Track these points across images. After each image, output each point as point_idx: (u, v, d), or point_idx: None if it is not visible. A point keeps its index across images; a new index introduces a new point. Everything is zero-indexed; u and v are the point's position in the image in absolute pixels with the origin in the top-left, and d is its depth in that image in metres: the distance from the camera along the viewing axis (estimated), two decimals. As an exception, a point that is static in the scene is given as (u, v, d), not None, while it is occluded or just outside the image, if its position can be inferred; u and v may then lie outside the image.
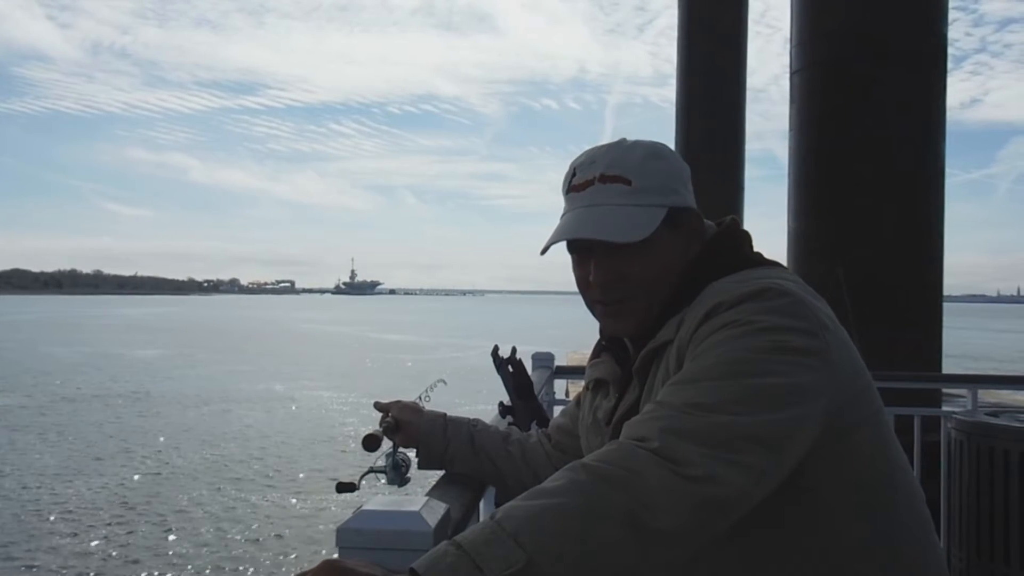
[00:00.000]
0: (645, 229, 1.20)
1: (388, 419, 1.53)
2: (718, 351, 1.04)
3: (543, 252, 1.27)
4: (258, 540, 9.35)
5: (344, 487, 1.37)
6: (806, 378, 1.02)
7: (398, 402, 1.60)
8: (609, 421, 1.30)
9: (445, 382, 1.81)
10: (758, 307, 1.07)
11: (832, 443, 1.06)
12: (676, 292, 1.21)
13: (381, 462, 1.43)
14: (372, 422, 1.58)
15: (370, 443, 1.42)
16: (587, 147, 1.32)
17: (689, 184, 1.30)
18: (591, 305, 1.29)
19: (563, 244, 1.28)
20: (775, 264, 1.25)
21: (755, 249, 1.29)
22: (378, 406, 1.61)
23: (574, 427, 1.51)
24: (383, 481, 1.43)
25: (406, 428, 1.53)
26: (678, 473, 0.90)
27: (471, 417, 1.63)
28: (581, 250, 1.26)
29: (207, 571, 8.36)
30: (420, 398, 1.66)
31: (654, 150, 1.27)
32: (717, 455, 0.93)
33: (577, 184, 1.25)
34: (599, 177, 1.23)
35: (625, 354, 1.33)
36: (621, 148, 1.26)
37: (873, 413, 1.13)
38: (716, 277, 1.18)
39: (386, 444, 1.48)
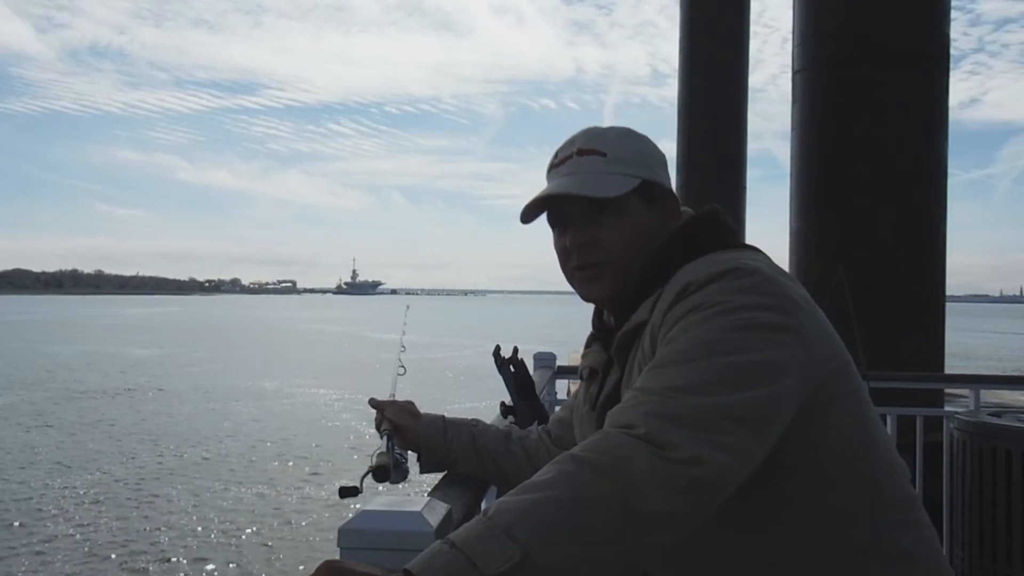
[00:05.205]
0: (617, 189, 1.26)
1: (386, 427, 1.51)
2: (691, 333, 1.06)
3: (524, 220, 1.33)
4: (259, 539, 9.35)
5: (347, 492, 1.35)
6: (780, 354, 1.04)
7: (393, 402, 1.58)
8: (594, 406, 1.32)
9: (406, 318, 1.93)
10: (726, 287, 1.09)
11: (810, 419, 1.07)
12: (650, 273, 1.24)
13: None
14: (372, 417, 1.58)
15: (381, 475, 1.36)
16: None
17: (666, 170, 1.36)
18: (570, 274, 1.33)
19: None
20: (749, 247, 1.27)
21: (736, 237, 1.30)
22: (373, 403, 1.59)
23: (572, 419, 1.51)
24: (379, 488, 1.41)
25: (404, 433, 1.52)
26: (665, 457, 0.91)
27: (470, 418, 1.62)
28: (559, 222, 1.32)
29: (206, 571, 8.36)
30: (400, 343, 1.70)
31: (628, 131, 1.36)
32: (701, 436, 0.94)
33: (557, 162, 1.33)
34: (576, 151, 1.31)
35: (612, 340, 1.34)
36: (598, 128, 1.35)
37: (851, 391, 1.14)
38: (689, 259, 1.20)
39: (384, 442, 1.46)
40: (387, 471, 1.36)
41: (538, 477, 0.91)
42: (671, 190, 1.34)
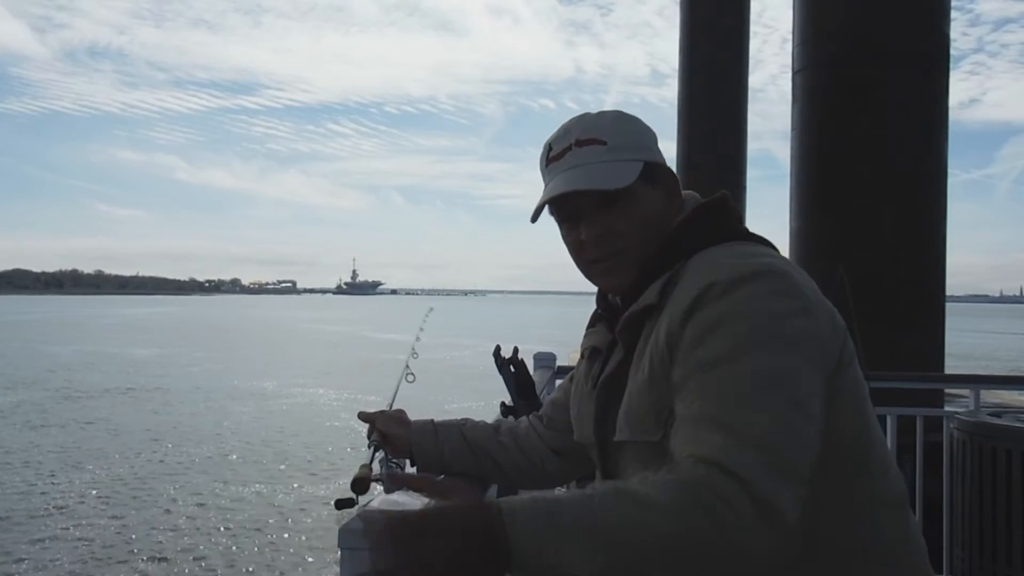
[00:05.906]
0: (627, 178, 1.25)
1: (374, 438, 1.51)
2: (745, 361, 1.04)
3: (534, 219, 1.31)
4: (259, 539, 9.35)
5: (343, 503, 1.34)
6: (817, 362, 1.07)
7: (383, 413, 1.58)
8: (595, 385, 1.31)
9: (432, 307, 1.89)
10: (758, 292, 1.08)
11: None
12: (658, 255, 1.24)
13: (376, 471, 1.42)
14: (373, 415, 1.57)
15: (360, 486, 1.37)
16: None
17: (658, 148, 1.36)
18: (587, 267, 1.32)
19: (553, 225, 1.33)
20: (759, 239, 1.27)
21: (745, 227, 1.30)
22: (363, 416, 1.59)
23: (568, 401, 1.50)
24: (380, 491, 1.41)
25: (395, 441, 1.53)
26: (770, 521, 0.93)
27: (459, 418, 1.62)
28: (570, 217, 1.30)
29: (205, 571, 8.36)
30: (412, 348, 1.67)
31: (621, 114, 1.34)
32: (796, 493, 0.97)
33: (555, 155, 1.31)
34: (575, 142, 1.28)
35: (617, 320, 1.33)
36: (590, 116, 1.33)
37: (853, 384, 1.15)
38: (702, 246, 1.20)
39: (370, 453, 1.46)
40: (366, 483, 1.36)
41: (650, 491, 0.93)
42: (669, 168, 1.34)
